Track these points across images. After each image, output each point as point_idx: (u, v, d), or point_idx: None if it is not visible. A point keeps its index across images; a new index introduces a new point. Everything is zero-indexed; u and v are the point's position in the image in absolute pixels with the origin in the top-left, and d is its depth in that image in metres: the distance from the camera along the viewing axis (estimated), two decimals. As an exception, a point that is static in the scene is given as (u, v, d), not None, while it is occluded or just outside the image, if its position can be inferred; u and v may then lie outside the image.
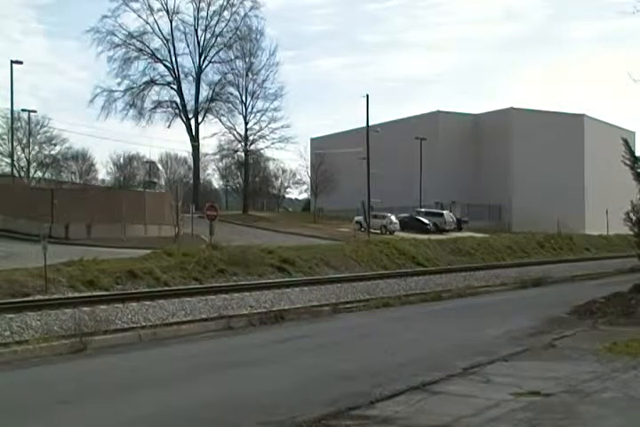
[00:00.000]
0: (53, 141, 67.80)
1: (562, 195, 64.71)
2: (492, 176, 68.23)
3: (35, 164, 65.84)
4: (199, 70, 62.55)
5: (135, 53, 61.03)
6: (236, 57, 62.08)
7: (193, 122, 62.66)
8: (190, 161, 77.08)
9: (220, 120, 62.55)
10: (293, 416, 7.49)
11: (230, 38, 62.11)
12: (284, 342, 13.74)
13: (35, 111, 58.90)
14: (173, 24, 61.22)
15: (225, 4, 61.27)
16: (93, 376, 10.66)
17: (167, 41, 61.57)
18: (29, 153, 63.13)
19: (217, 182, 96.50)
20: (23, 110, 56.70)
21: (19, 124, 59.10)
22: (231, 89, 62.56)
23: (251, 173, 72.35)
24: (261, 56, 62.01)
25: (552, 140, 66.44)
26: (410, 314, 18.51)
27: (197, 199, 56.11)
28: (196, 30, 62.12)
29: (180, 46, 62.38)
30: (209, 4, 61.48)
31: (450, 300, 21.77)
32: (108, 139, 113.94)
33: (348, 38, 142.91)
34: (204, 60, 62.47)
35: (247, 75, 61.60)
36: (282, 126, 61.15)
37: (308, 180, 68.23)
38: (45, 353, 12.38)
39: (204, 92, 63.11)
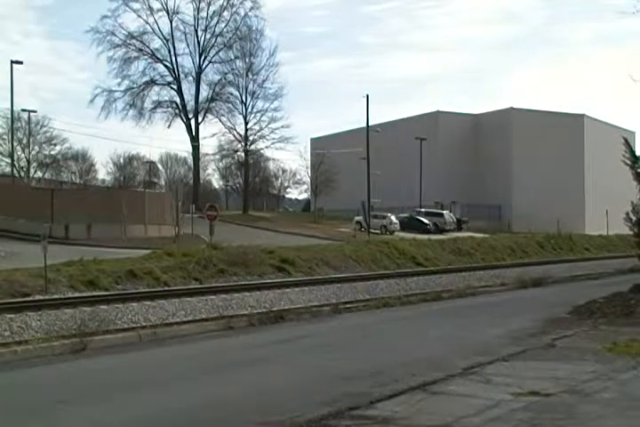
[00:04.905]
0: (53, 141, 68.03)
1: (562, 195, 64.76)
2: (492, 176, 68.25)
3: (35, 164, 65.97)
4: (199, 70, 62.64)
5: (135, 53, 61.22)
6: (236, 57, 62.27)
7: (193, 122, 62.73)
8: (190, 161, 77.27)
9: (220, 120, 62.74)
10: (293, 416, 7.49)
11: (230, 38, 62.23)
12: (284, 342, 13.73)
13: (35, 111, 59.17)
14: (173, 24, 61.47)
15: (225, 4, 61.47)
16: (93, 376, 10.65)
17: (167, 41, 61.78)
18: (29, 153, 63.24)
19: (217, 182, 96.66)
20: (23, 110, 56.87)
21: (19, 124, 59.18)
22: (231, 89, 62.79)
23: (251, 173, 72.36)
24: (261, 56, 62.30)
25: (552, 141, 66.47)
26: (410, 314, 18.51)
27: (197, 199, 56.16)
28: (196, 30, 62.32)
29: (180, 46, 62.62)
30: (209, 4, 61.71)
31: (450, 300, 21.74)
32: (108, 139, 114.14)
33: (348, 39, 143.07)
34: (203, 60, 62.62)
35: (247, 75, 61.76)
36: (282, 126, 61.34)
37: (308, 180, 68.28)
38: (45, 353, 12.38)
39: (204, 92, 63.33)
